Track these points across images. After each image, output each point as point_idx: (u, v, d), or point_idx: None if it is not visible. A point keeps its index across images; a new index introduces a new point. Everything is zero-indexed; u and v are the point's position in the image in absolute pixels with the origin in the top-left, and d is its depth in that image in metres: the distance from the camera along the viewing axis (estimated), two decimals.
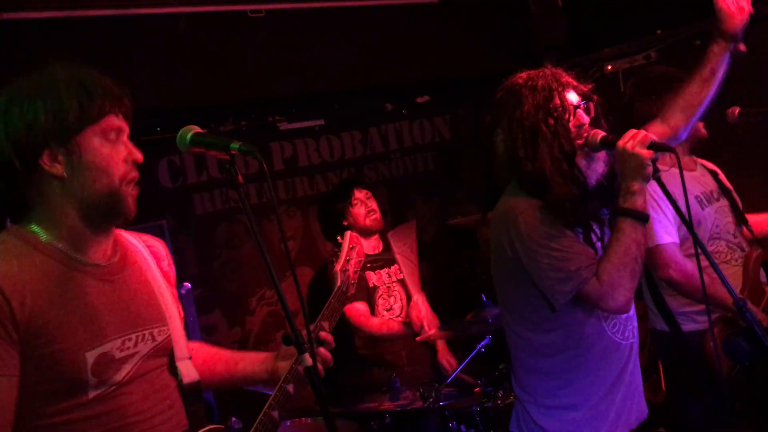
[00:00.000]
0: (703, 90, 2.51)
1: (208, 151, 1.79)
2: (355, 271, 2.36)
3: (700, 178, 3.19)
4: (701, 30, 4.26)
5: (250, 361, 2.10)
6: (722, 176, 3.32)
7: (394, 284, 4.29)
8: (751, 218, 3.27)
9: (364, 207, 4.27)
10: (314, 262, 4.77)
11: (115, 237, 1.87)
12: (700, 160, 3.31)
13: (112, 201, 1.75)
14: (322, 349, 2.01)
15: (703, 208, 3.07)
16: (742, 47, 2.49)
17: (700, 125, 3.13)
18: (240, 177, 1.72)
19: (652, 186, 2.22)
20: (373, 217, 4.28)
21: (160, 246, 2.03)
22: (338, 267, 2.31)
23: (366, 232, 4.26)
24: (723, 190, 3.21)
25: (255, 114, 4.68)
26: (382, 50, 4.59)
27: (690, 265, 2.94)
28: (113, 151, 1.75)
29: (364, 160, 5.14)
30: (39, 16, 3.59)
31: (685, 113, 2.53)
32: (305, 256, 4.87)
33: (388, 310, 4.26)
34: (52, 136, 1.69)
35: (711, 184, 3.20)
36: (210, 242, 4.61)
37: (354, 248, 2.36)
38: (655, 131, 2.34)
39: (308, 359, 1.66)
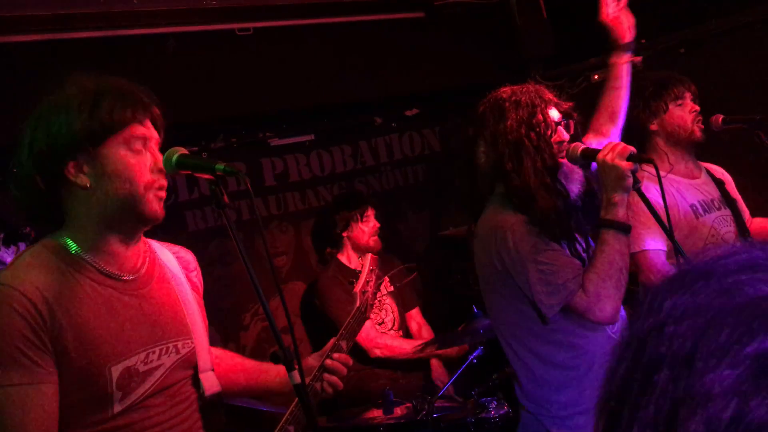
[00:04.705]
0: (618, 98, 2.70)
1: (194, 172, 1.82)
2: (374, 293, 2.42)
3: (701, 185, 3.19)
4: (685, 38, 4.32)
5: (271, 375, 2.15)
6: (730, 185, 3.30)
7: (385, 297, 4.29)
8: (756, 222, 3.25)
9: (371, 226, 4.29)
10: (306, 276, 4.78)
11: (144, 247, 1.90)
12: (707, 166, 3.31)
13: (134, 207, 1.77)
14: (332, 378, 2.09)
15: (698, 217, 3.06)
16: (637, 59, 2.75)
17: (696, 128, 3.15)
18: (226, 197, 1.75)
19: (649, 192, 2.25)
20: (376, 238, 4.30)
21: (189, 257, 2.10)
22: (358, 288, 2.37)
23: (363, 250, 4.28)
24: (727, 199, 3.19)
25: (245, 130, 4.69)
26: (369, 65, 4.63)
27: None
28: (138, 160, 1.77)
29: (355, 173, 5.15)
30: (28, 39, 3.61)
31: (612, 120, 2.70)
32: (297, 271, 4.87)
33: (380, 324, 4.26)
34: (75, 148, 1.72)
35: (713, 192, 3.19)
36: (203, 259, 4.57)
37: (374, 271, 2.43)
38: (593, 142, 2.48)
39: (297, 377, 1.68)
